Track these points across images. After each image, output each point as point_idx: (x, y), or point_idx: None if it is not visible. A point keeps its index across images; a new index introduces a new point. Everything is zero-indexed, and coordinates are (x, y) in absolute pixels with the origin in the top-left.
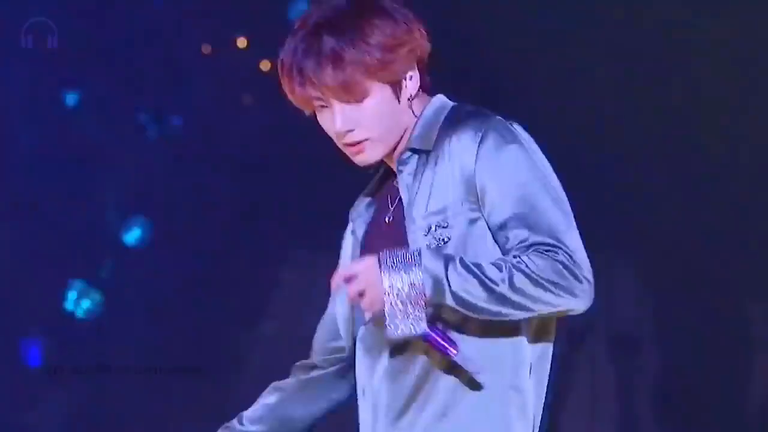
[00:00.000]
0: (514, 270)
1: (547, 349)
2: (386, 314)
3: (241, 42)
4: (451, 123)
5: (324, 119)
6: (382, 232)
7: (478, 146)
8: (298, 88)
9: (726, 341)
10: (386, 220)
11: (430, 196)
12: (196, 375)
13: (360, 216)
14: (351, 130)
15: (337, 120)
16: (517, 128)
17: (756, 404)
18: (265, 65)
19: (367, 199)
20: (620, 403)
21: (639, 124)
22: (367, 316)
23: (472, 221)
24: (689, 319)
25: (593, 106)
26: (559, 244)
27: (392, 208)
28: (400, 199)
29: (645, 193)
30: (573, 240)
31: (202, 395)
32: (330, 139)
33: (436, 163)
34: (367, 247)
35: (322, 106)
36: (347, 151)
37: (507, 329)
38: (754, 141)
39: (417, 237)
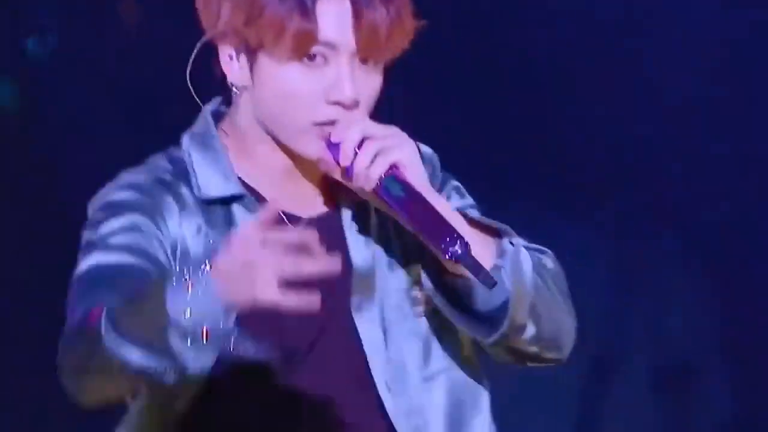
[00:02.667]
0: None
1: None
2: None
3: None
4: None
5: (312, 77)
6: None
7: None
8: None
9: None
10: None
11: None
12: None
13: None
14: (357, 104)
15: (351, 84)
16: None
17: None
18: None
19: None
20: None
21: None
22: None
23: None
24: None
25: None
26: None
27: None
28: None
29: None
30: None
31: None
32: None
33: None
34: None
35: (316, 59)
36: (316, 132)
37: None
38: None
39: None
